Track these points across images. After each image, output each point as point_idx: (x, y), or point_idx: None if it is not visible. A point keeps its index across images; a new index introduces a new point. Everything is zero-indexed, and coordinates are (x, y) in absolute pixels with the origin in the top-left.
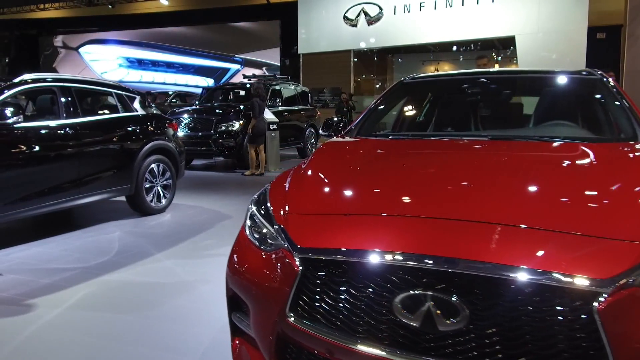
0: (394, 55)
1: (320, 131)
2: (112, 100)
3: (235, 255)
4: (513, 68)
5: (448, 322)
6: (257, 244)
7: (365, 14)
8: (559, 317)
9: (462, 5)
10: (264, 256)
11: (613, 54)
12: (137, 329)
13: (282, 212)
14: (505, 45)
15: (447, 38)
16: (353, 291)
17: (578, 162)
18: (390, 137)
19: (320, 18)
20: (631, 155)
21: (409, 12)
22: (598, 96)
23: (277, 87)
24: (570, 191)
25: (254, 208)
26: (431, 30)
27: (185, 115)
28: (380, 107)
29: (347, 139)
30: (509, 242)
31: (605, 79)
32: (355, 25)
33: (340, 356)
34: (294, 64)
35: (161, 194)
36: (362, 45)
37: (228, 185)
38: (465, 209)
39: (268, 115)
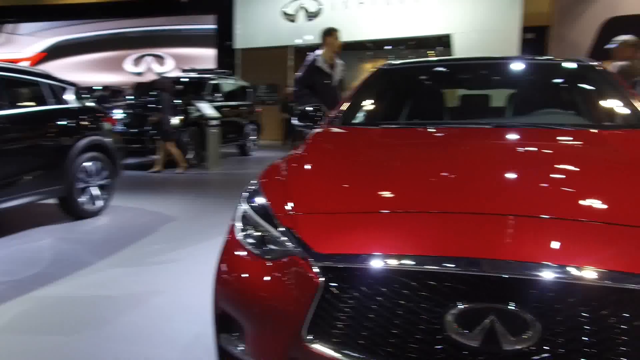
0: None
1: (296, 121)
2: (40, 90)
3: (224, 265)
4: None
5: (514, 339)
6: (255, 250)
7: (305, 9)
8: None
9: (401, 2)
10: (267, 265)
11: (541, 53)
12: (84, 354)
13: (286, 211)
14: (441, 44)
15: (386, 35)
16: (391, 306)
17: (596, 148)
18: (382, 126)
19: (257, 13)
20: None
21: (347, 8)
22: (597, 83)
23: (215, 82)
24: (621, 182)
25: (246, 207)
26: (370, 27)
27: (118, 111)
28: (360, 96)
29: (335, 129)
30: (576, 239)
31: (599, 67)
32: (294, 21)
33: None
34: (230, 59)
35: (97, 195)
36: (301, 41)
37: (168, 185)
38: (505, 203)
39: (208, 110)
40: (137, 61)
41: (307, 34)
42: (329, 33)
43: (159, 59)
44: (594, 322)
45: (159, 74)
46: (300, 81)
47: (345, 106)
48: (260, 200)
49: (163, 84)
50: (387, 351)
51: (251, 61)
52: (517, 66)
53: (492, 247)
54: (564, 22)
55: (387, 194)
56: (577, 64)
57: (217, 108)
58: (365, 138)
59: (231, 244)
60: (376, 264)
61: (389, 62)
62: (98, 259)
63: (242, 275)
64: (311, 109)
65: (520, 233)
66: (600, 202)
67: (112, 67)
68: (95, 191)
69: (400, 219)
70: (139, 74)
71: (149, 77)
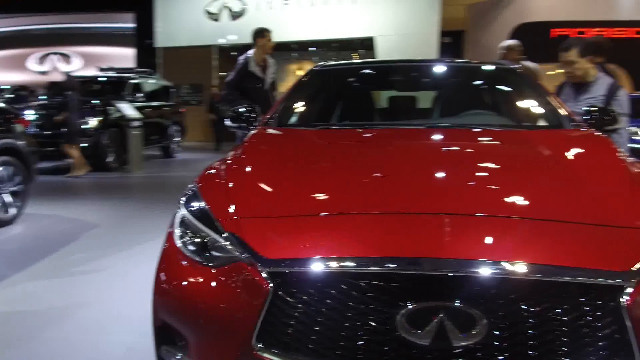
0: None
1: (228, 122)
2: None
3: (163, 274)
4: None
5: (463, 335)
6: (196, 257)
7: (229, 8)
8: (584, 316)
9: (325, 4)
10: (211, 272)
11: (458, 56)
12: None
13: (229, 216)
14: (365, 46)
15: (311, 37)
16: (340, 309)
17: (520, 148)
18: (318, 127)
19: (179, 11)
20: (580, 141)
21: (272, 8)
22: (518, 85)
23: (136, 81)
24: (549, 179)
25: (185, 212)
26: (295, 28)
27: (29, 111)
28: (294, 97)
29: (272, 130)
30: (530, 238)
31: (519, 70)
32: (217, 20)
33: None
34: (151, 58)
35: (9, 202)
36: (224, 40)
37: (86, 190)
38: (440, 202)
39: (130, 111)
40: (42, 59)
41: (231, 33)
42: (261, 34)
43: (65, 57)
44: (534, 315)
45: (66, 72)
46: (231, 85)
47: (279, 107)
48: (199, 204)
49: (71, 83)
50: (338, 354)
51: (173, 60)
52: (445, 69)
53: (433, 246)
54: (478, 27)
55: (328, 196)
56: (500, 67)
57: (139, 109)
58: (302, 140)
59: (170, 251)
60: (324, 267)
61: (322, 63)
62: (13, 272)
63: (184, 284)
64: (244, 109)
65: (458, 231)
66: (528, 199)
67: (15, 65)
68: (8, 198)
69: (344, 221)
70: (43, 72)
71: (55, 76)
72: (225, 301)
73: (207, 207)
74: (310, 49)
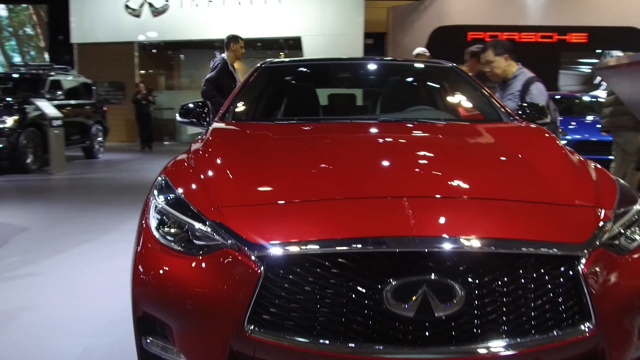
0: (180, 50)
1: (178, 117)
2: None
3: (142, 266)
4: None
5: (444, 305)
6: (178, 247)
7: (150, 4)
8: (548, 284)
9: (251, 3)
10: (196, 261)
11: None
12: None
13: (209, 205)
14: (292, 46)
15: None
16: (331, 288)
17: (482, 138)
18: (277, 122)
19: (96, 5)
20: (520, 131)
21: (197, 6)
22: (456, 82)
23: (54, 78)
24: (498, 165)
25: (161, 202)
26: (219, 26)
27: None
28: (245, 93)
29: (230, 125)
30: (491, 215)
31: (457, 68)
32: (138, 16)
33: None
34: (67, 54)
35: None
36: (145, 37)
37: (6, 193)
38: (418, 186)
39: (49, 109)
40: None
41: (153, 30)
42: (235, 40)
43: None
44: (503, 285)
45: None
46: (212, 81)
47: (233, 103)
48: (174, 194)
49: None
50: (328, 330)
51: (91, 57)
52: (391, 66)
53: (408, 225)
54: (398, 30)
55: (301, 185)
56: (440, 65)
57: (58, 107)
58: (264, 132)
59: (147, 242)
60: (311, 249)
61: (270, 60)
62: None
63: (166, 274)
64: (192, 106)
65: (429, 211)
66: (483, 182)
67: None
68: None
69: (322, 207)
70: None
71: None
72: (213, 287)
73: (182, 197)
74: None
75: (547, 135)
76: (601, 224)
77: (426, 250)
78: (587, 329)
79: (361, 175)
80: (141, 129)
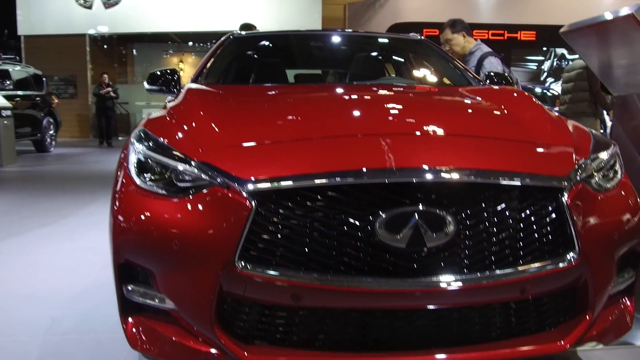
0: (134, 43)
1: (146, 85)
2: None
3: (122, 214)
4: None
5: (435, 236)
6: (161, 190)
7: None
8: (533, 216)
9: None
10: (182, 202)
11: None
12: None
13: (193, 147)
14: None
15: (189, 28)
16: (323, 221)
17: (460, 95)
18: (252, 84)
19: None
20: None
21: None
22: (427, 54)
23: (2, 67)
24: (479, 113)
25: (142, 148)
26: (174, 18)
27: None
28: (213, 61)
29: (202, 86)
30: (476, 149)
31: (427, 41)
32: (90, 8)
33: (310, 300)
34: (14, 47)
35: None
36: (95, 30)
37: None
38: (407, 126)
39: None
40: None
41: (105, 22)
42: (249, 29)
43: None
44: (492, 216)
45: None
46: None
47: (201, 70)
48: (155, 141)
49: None
50: (318, 263)
51: (39, 50)
52: (362, 38)
53: (402, 156)
54: (355, 27)
55: (285, 126)
56: (409, 39)
57: (7, 97)
58: (239, 90)
59: (127, 189)
60: (302, 182)
61: (239, 30)
62: None
63: (150, 218)
64: (160, 73)
65: (418, 144)
66: (461, 123)
67: None
68: None
69: (309, 145)
70: None
71: None
72: (201, 225)
73: (165, 142)
74: (190, 42)
75: (522, 92)
76: (580, 161)
77: (414, 181)
78: (572, 259)
79: (345, 118)
80: (100, 124)
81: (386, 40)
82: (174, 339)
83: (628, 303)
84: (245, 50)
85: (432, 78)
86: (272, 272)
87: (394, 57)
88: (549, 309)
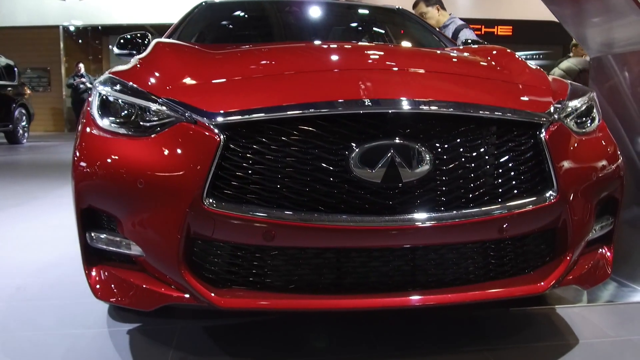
0: (109, 36)
1: (116, 49)
2: None
3: (85, 159)
4: None
5: (411, 171)
6: (127, 131)
7: None
8: (511, 152)
9: None
10: (147, 140)
11: None
12: None
13: (160, 86)
14: None
15: (166, 20)
16: (296, 156)
17: (440, 50)
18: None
19: None
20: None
21: None
22: (405, 24)
23: None
24: (456, 59)
25: (106, 90)
26: (149, 11)
27: None
28: (183, 29)
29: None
30: (454, 84)
31: (405, 11)
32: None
33: (283, 239)
34: None
35: None
36: (69, 22)
37: None
38: (383, 63)
39: None
40: None
41: (79, 14)
42: None
43: None
44: (469, 150)
45: None
46: None
47: (172, 33)
48: (120, 82)
49: None
50: (290, 200)
51: (11, 42)
52: (341, 8)
53: (375, 88)
54: None
55: (255, 64)
56: (389, 8)
57: None
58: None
59: (90, 134)
60: (272, 114)
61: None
62: None
63: (117, 161)
64: (130, 36)
65: (393, 78)
66: (440, 65)
67: None
68: None
69: (280, 79)
70: None
71: None
72: (168, 164)
73: (130, 83)
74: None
75: (504, 48)
76: (558, 101)
77: (390, 112)
78: (550, 197)
79: (319, 58)
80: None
81: (365, 11)
82: (143, 285)
83: (607, 252)
84: (217, 18)
85: (412, 45)
86: (242, 209)
87: (373, 27)
88: (527, 250)
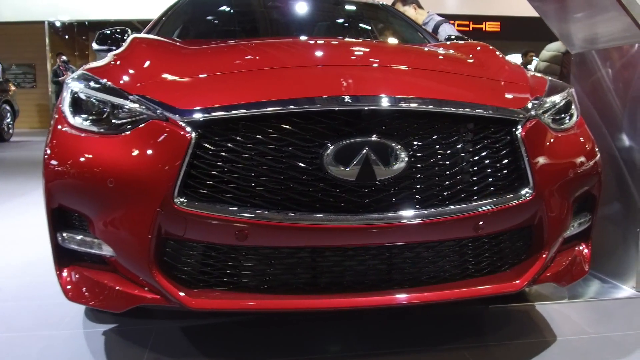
0: (96, 31)
1: (95, 45)
2: None
3: (56, 158)
4: None
5: (386, 169)
6: (98, 128)
7: None
8: (487, 149)
9: None
10: (119, 139)
11: None
12: None
13: (133, 83)
14: None
15: (153, 16)
16: (269, 154)
17: (421, 46)
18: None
19: None
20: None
21: None
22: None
23: None
24: (435, 54)
25: (79, 87)
26: (136, 6)
27: None
28: (164, 22)
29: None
30: (429, 80)
31: (388, 7)
32: None
33: (256, 239)
34: None
35: None
36: (54, 17)
37: None
38: (358, 60)
39: None
40: None
41: (65, 9)
42: None
43: None
44: (445, 147)
45: None
46: None
47: (152, 28)
48: (93, 80)
49: None
50: (262, 198)
51: None
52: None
53: (349, 85)
54: None
55: (230, 61)
56: (373, 4)
57: None
58: (189, 43)
59: (62, 132)
60: (244, 111)
61: None
62: None
63: (88, 160)
64: (110, 32)
65: (366, 74)
66: (418, 61)
67: None
68: None
69: (257, 75)
70: None
71: None
72: (138, 162)
73: (103, 80)
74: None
75: (485, 44)
76: (536, 97)
77: (365, 109)
78: (526, 194)
79: (294, 54)
80: None
81: (350, 7)
82: (115, 287)
83: (584, 249)
84: (199, 12)
85: (395, 41)
86: (214, 209)
87: (357, 23)
88: (504, 248)
